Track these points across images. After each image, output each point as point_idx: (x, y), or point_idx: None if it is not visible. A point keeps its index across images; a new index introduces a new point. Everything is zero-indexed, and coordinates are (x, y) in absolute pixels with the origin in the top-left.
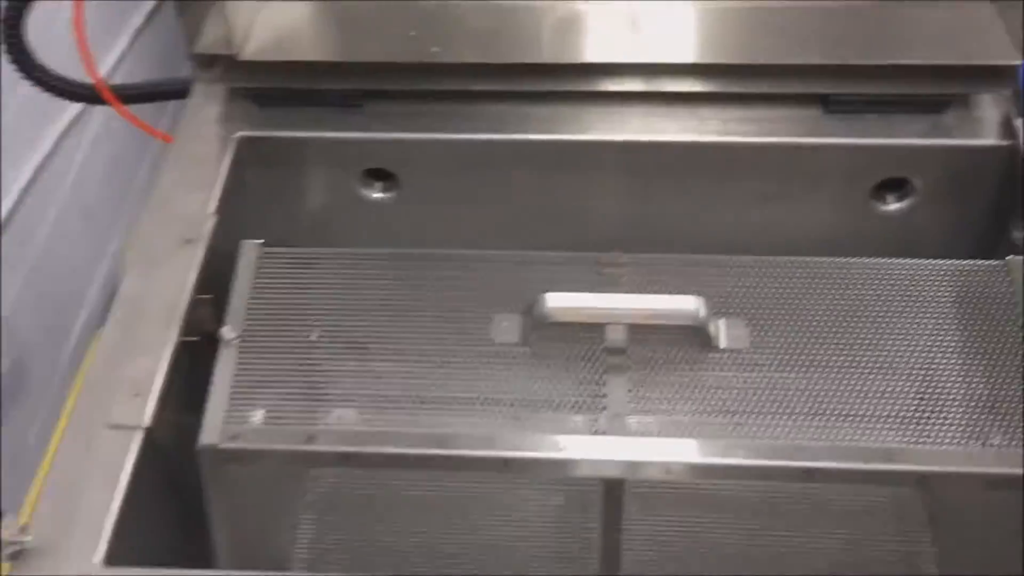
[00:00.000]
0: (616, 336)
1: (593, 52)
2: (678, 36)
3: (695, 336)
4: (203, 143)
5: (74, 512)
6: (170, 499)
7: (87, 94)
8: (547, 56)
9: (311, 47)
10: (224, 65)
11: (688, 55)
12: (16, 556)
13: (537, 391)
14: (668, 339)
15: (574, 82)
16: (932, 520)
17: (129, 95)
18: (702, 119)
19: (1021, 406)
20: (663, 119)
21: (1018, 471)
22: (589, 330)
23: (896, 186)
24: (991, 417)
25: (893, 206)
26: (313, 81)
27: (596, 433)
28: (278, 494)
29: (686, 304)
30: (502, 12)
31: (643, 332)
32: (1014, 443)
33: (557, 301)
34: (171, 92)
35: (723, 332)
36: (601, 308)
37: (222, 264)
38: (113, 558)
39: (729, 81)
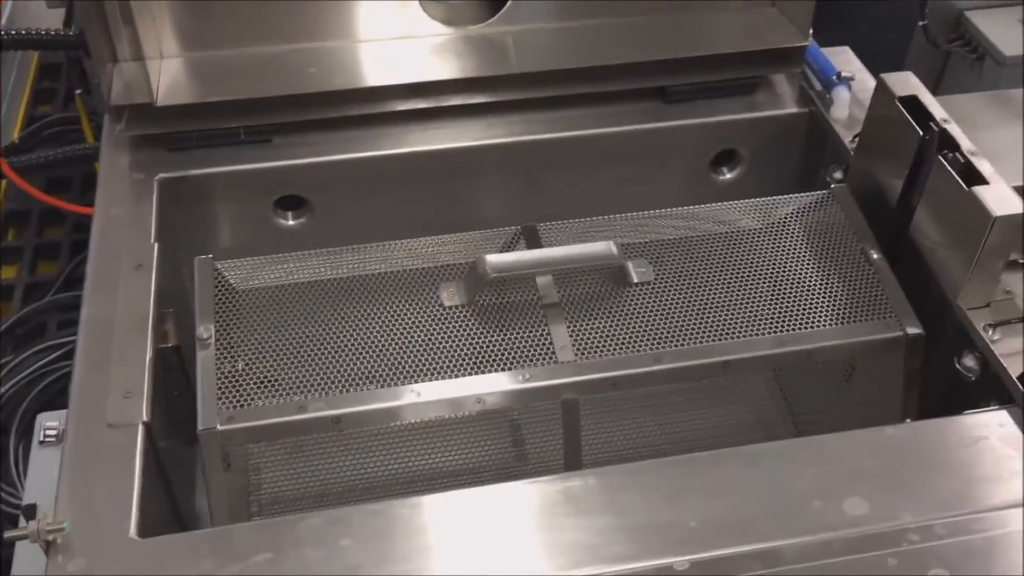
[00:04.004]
0: (548, 288)
1: (472, 68)
2: (540, 51)
3: (613, 275)
4: (127, 187)
5: (96, 499)
6: (159, 479)
7: None
8: (432, 75)
9: (219, 89)
10: (131, 115)
11: (552, 64)
12: (54, 543)
13: (493, 342)
14: (590, 282)
15: (457, 97)
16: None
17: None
18: (567, 118)
19: (869, 294)
20: (533, 123)
21: (893, 334)
22: (522, 288)
23: (727, 158)
24: (850, 304)
25: (728, 175)
26: (222, 120)
27: (549, 364)
28: (272, 463)
29: (605, 248)
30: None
31: (569, 281)
32: (872, 319)
33: (496, 260)
34: (76, 159)
35: (632, 270)
36: (536, 260)
37: (167, 285)
38: (143, 530)
39: (588, 83)
